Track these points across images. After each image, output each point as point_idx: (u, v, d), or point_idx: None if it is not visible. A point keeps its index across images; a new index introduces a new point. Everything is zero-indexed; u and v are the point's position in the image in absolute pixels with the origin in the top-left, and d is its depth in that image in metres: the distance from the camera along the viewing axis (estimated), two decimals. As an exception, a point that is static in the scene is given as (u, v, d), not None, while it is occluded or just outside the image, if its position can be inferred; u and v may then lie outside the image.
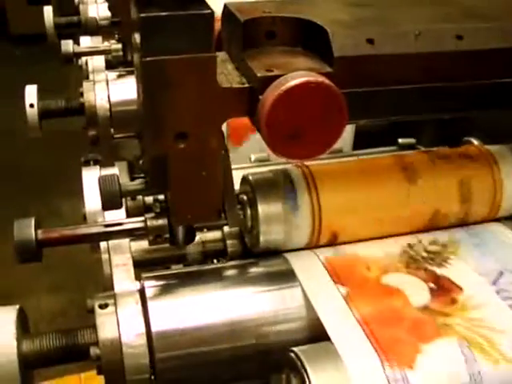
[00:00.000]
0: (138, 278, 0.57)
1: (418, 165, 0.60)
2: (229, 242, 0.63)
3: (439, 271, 0.56)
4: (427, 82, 0.52)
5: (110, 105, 0.94)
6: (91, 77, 1.06)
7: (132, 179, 0.79)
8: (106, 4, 1.16)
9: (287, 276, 0.56)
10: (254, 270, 0.57)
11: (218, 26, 0.55)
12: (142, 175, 0.61)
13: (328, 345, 0.48)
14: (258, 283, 0.56)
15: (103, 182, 0.56)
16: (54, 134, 1.46)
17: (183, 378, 0.53)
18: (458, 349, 0.48)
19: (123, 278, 0.57)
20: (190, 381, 0.53)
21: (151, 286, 0.55)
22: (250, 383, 0.57)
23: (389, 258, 0.57)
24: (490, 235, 0.61)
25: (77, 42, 1.21)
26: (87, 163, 0.84)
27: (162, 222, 0.57)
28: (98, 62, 1.12)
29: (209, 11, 0.45)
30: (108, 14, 1.12)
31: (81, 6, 1.28)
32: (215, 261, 0.65)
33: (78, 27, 1.26)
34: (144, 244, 0.62)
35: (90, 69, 1.10)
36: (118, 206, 0.57)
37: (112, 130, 0.95)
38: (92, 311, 0.52)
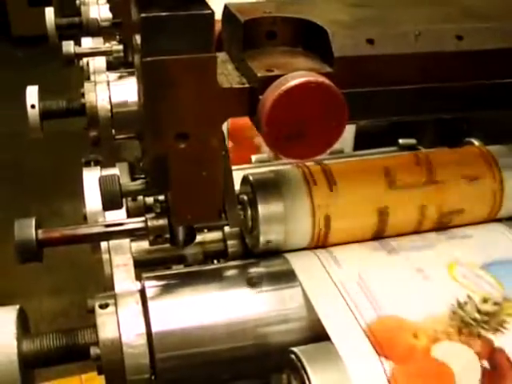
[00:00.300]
0: (138, 278, 0.57)
1: (417, 165, 0.60)
2: (229, 242, 0.63)
3: (496, 340, 0.49)
4: (427, 83, 0.52)
5: (111, 106, 0.94)
6: (92, 78, 1.06)
7: (133, 180, 0.79)
8: (108, 5, 1.17)
9: (288, 276, 0.56)
10: (254, 270, 0.57)
11: (218, 26, 0.55)
12: (143, 176, 0.61)
13: (328, 345, 0.48)
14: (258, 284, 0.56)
15: (104, 182, 0.56)
16: (55, 134, 1.46)
17: (183, 378, 0.53)
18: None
19: (124, 278, 0.57)
20: (191, 381, 0.53)
21: (152, 286, 0.55)
22: (250, 383, 0.57)
23: (438, 321, 0.50)
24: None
25: (78, 43, 1.21)
26: (88, 164, 0.84)
27: (162, 222, 0.57)
28: (99, 62, 1.12)
29: (209, 11, 0.45)
30: (109, 15, 1.12)
31: (82, 7, 1.28)
32: (216, 261, 0.65)
33: (80, 28, 1.26)
34: (144, 244, 0.62)
35: (91, 70, 1.11)
36: (119, 207, 0.57)
37: (113, 130, 0.96)
38: (92, 311, 0.52)
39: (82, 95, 0.96)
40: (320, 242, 0.58)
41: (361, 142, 0.99)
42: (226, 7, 0.55)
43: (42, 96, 0.96)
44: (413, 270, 0.56)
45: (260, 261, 0.58)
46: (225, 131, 0.52)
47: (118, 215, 0.63)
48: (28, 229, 0.55)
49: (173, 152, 0.48)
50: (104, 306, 0.52)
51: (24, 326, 0.53)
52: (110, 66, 1.12)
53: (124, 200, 0.58)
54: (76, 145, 1.36)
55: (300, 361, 0.47)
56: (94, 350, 0.50)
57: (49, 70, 3.07)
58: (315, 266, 0.56)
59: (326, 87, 0.46)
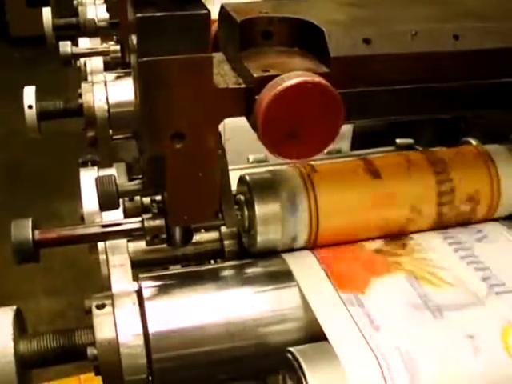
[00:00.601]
0: (135, 278, 0.57)
1: (416, 164, 0.60)
2: (226, 242, 0.63)
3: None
4: (424, 82, 0.52)
5: (109, 106, 0.94)
6: (90, 78, 1.06)
7: (130, 180, 0.79)
8: (105, 6, 1.17)
9: (285, 276, 0.56)
10: (251, 270, 0.57)
11: (214, 26, 0.55)
12: (140, 176, 0.61)
13: (325, 345, 0.48)
14: (256, 283, 0.56)
15: (100, 182, 0.56)
16: (53, 135, 1.46)
17: (180, 379, 0.53)
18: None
19: (121, 279, 0.57)
20: (187, 381, 0.53)
21: (148, 287, 0.55)
22: (247, 383, 0.57)
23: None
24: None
25: (75, 44, 1.22)
26: (85, 164, 0.84)
27: (159, 222, 0.57)
28: (96, 63, 1.12)
29: (205, 11, 0.45)
30: (106, 15, 1.12)
31: (79, 8, 1.28)
32: (212, 261, 0.65)
33: (77, 29, 1.27)
34: (141, 244, 0.62)
35: (88, 70, 1.11)
36: (116, 207, 0.57)
37: (110, 131, 0.96)
38: (89, 311, 0.52)
39: (80, 96, 0.96)
40: (317, 242, 0.58)
41: (358, 142, 0.99)
42: (222, 7, 0.55)
43: (39, 96, 0.96)
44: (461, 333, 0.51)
45: (257, 261, 0.58)
46: (221, 131, 0.52)
47: (115, 215, 0.63)
48: (25, 229, 0.55)
49: (169, 152, 0.48)
50: (101, 307, 0.52)
51: (21, 327, 0.53)
52: (108, 67, 1.12)
53: (121, 200, 0.58)
54: (73, 145, 1.36)
55: (297, 360, 0.47)
56: (90, 351, 0.50)
57: (46, 71, 3.07)
58: (312, 266, 0.56)
59: (322, 87, 0.46)
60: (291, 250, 0.58)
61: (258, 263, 0.58)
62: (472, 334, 0.50)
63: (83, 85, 0.97)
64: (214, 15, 0.51)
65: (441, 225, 0.61)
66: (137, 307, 0.52)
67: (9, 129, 2.98)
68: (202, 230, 0.63)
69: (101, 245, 0.66)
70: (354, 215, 0.58)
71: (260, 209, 0.56)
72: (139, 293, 0.54)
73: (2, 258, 1.29)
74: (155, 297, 0.54)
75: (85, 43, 1.27)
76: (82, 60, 1.17)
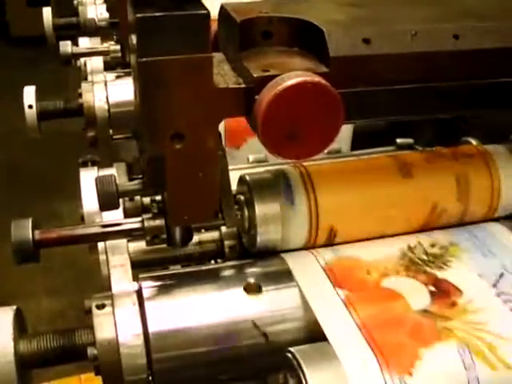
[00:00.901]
0: (135, 278, 0.57)
1: (414, 164, 0.60)
2: (226, 242, 0.63)
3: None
4: (424, 82, 0.52)
5: (109, 106, 0.94)
6: (90, 78, 1.06)
7: (130, 180, 0.79)
8: (105, 5, 1.17)
9: (284, 276, 0.56)
10: (251, 270, 0.57)
11: (214, 26, 0.55)
12: (140, 176, 0.61)
13: (325, 345, 0.48)
14: (256, 283, 0.56)
15: (100, 182, 0.56)
16: (53, 135, 1.46)
17: (180, 379, 0.53)
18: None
19: (121, 279, 0.57)
20: (187, 381, 0.53)
21: (148, 287, 0.55)
22: (247, 383, 0.57)
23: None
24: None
25: (75, 44, 1.22)
26: (85, 164, 0.84)
27: (159, 222, 0.57)
28: (96, 63, 1.12)
29: (205, 12, 0.45)
30: (106, 15, 1.12)
31: (80, 8, 1.28)
32: (213, 261, 0.65)
33: (77, 28, 1.27)
34: (142, 244, 0.62)
35: (88, 70, 1.11)
36: (116, 207, 0.57)
37: (111, 131, 0.96)
38: (89, 312, 0.52)
39: (80, 95, 0.96)
40: (317, 242, 0.58)
41: (358, 142, 0.99)
42: (222, 7, 0.55)
43: (39, 96, 0.96)
44: None
45: (257, 261, 0.58)
46: (221, 131, 0.52)
47: (115, 215, 0.63)
48: (25, 229, 0.55)
49: (169, 152, 0.48)
50: (101, 307, 0.52)
51: (21, 327, 0.53)
52: (108, 66, 1.12)
53: (121, 200, 0.58)
54: (73, 145, 1.36)
55: (297, 361, 0.47)
56: (91, 351, 0.50)
57: (46, 71, 3.07)
58: (312, 266, 0.56)
59: (322, 87, 0.46)
60: (291, 250, 0.58)
61: (258, 263, 0.58)
62: None
63: (83, 84, 0.97)
64: (214, 15, 0.51)
65: (441, 225, 0.61)
66: (137, 307, 0.52)
67: (9, 128, 2.98)
68: (203, 230, 0.63)
69: (101, 245, 0.66)
70: (354, 215, 0.58)
71: (260, 209, 0.56)
72: (139, 293, 0.54)
73: (2, 258, 1.29)
74: (155, 297, 0.54)
75: (85, 43, 1.27)
76: (82, 60, 1.17)
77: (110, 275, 0.57)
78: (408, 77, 0.51)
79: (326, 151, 0.50)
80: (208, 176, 0.50)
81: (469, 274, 0.56)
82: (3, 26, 4.42)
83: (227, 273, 0.57)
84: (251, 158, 0.91)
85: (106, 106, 0.94)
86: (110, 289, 0.55)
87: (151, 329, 0.51)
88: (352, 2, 0.56)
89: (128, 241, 0.62)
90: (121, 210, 0.64)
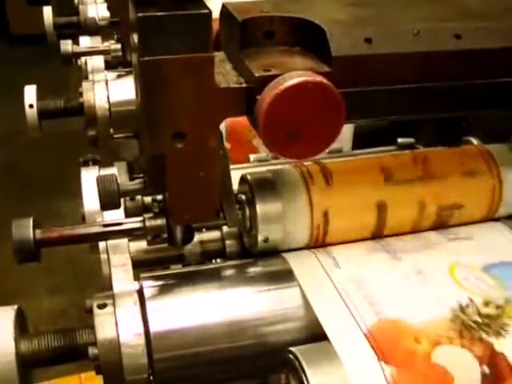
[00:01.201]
0: (136, 278, 0.57)
1: (415, 164, 0.60)
2: (227, 241, 0.63)
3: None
4: (426, 82, 0.52)
5: (110, 105, 0.94)
6: (90, 77, 1.06)
7: (131, 179, 0.79)
8: (106, 4, 1.16)
9: (286, 276, 0.55)
10: (252, 269, 0.57)
11: (216, 26, 0.55)
12: (141, 175, 0.61)
13: (326, 345, 0.48)
14: (257, 283, 0.56)
15: (101, 181, 0.56)
16: (54, 134, 1.46)
17: (182, 378, 0.53)
18: None
19: (122, 278, 0.57)
20: (189, 381, 0.53)
21: (149, 286, 0.54)
22: (248, 383, 0.57)
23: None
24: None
25: (76, 42, 1.21)
26: (86, 163, 0.84)
27: (160, 221, 0.57)
28: (97, 62, 1.12)
29: (206, 11, 0.45)
30: (107, 14, 1.12)
31: (80, 7, 1.28)
32: (214, 261, 0.65)
33: (78, 27, 1.26)
34: (143, 244, 0.62)
35: (89, 69, 1.11)
36: (117, 206, 0.57)
37: (111, 130, 0.96)
38: (90, 311, 0.52)
39: (80, 94, 0.95)
40: (318, 242, 0.58)
41: (359, 141, 0.99)
42: (223, 6, 0.55)
43: (40, 95, 0.95)
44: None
45: (258, 260, 0.58)
46: (223, 131, 0.52)
47: (116, 215, 0.63)
48: (26, 229, 0.55)
49: (170, 152, 0.48)
50: (102, 306, 0.52)
51: (22, 326, 0.53)
52: (108, 65, 1.12)
53: (122, 200, 0.58)
54: (74, 144, 1.36)
55: (298, 361, 0.47)
56: (92, 350, 0.50)
57: (47, 70, 3.06)
58: (314, 265, 0.56)
59: (323, 87, 0.46)
60: (292, 249, 0.58)
61: (259, 263, 0.58)
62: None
63: (84, 84, 0.96)
64: (216, 14, 0.51)
65: (441, 223, 0.61)
66: (138, 307, 0.52)
67: (10, 128, 2.98)
68: (204, 230, 0.63)
69: (102, 244, 0.66)
70: (356, 213, 0.58)
71: (261, 208, 0.56)
72: (140, 292, 0.54)
73: (3, 258, 1.30)
74: (156, 296, 0.54)
75: (86, 42, 1.27)
76: (82, 59, 1.17)
77: (111, 275, 0.57)
78: (410, 76, 0.51)
79: (327, 151, 0.50)
80: (209, 175, 0.50)
81: None
82: (3, 25, 4.42)
83: (228, 272, 0.57)
84: (252, 157, 0.91)
85: (107, 105, 0.94)
86: (111, 288, 0.55)
87: (152, 328, 0.51)
88: (354, 1, 0.56)
89: (129, 240, 0.62)
90: (122, 209, 0.64)
